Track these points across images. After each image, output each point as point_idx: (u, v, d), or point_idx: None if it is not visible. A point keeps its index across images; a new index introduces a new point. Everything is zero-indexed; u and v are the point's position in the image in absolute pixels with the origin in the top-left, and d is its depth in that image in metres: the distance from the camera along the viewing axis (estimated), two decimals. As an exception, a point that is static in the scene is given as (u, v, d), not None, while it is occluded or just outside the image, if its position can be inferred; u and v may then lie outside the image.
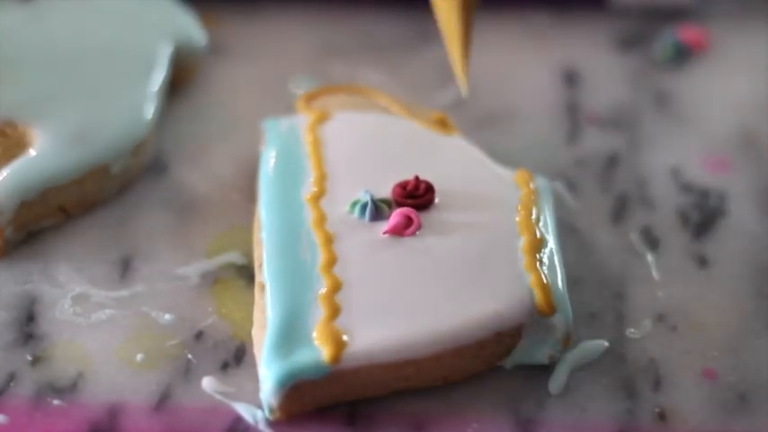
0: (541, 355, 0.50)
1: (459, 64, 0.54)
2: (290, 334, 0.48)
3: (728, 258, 0.55)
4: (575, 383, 0.50)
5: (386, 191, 0.53)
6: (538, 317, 0.50)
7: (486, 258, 0.51)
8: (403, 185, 0.53)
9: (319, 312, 0.49)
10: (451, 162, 0.55)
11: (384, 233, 0.51)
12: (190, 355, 0.51)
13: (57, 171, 0.55)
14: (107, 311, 0.52)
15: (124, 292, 0.53)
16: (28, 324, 0.52)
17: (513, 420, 0.49)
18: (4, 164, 0.55)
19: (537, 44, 0.67)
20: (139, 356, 0.51)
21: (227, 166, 0.59)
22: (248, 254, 0.54)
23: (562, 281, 0.51)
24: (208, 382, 0.50)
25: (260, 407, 0.49)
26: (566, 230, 0.55)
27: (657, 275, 0.55)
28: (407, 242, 0.51)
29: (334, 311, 0.49)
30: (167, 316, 0.52)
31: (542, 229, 0.52)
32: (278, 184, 0.54)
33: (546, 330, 0.50)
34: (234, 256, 0.54)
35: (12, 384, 0.50)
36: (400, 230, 0.51)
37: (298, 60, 0.65)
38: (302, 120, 0.57)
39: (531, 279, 0.50)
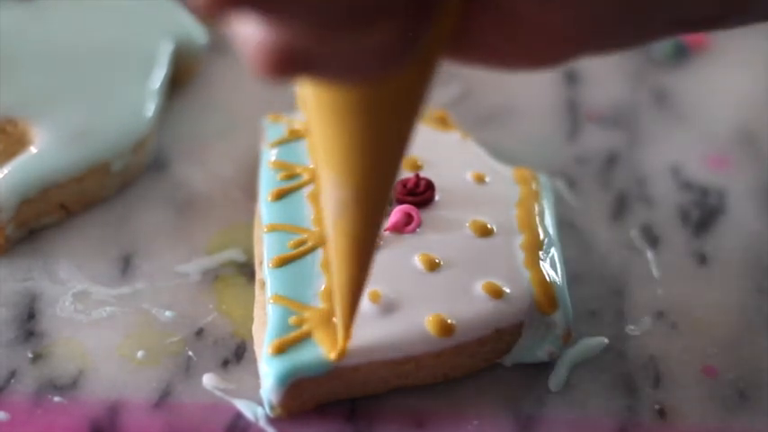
0: (541, 352, 0.50)
1: (343, 328, 0.48)
2: (290, 331, 0.48)
3: (728, 256, 0.55)
4: (575, 380, 0.50)
5: (386, 188, 0.53)
6: (538, 314, 0.50)
7: (486, 255, 0.51)
8: (403, 183, 0.53)
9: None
10: (452, 159, 0.55)
11: (384, 230, 0.51)
12: (190, 353, 0.51)
13: (57, 169, 0.55)
14: (108, 309, 0.52)
15: (125, 290, 0.53)
16: (29, 321, 0.52)
17: (513, 417, 0.49)
18: (5, 161, 0.55)
19: (537, 42, 0.67)
20: (140, 353, 0.51)
21: (227, 163, 0.59)
22: (249, 251, 0.54)
23: (562, 278, 0.51)
24: (208, 379, 0.50)
25: (260, 404, 0.49)
26: (566, 228, 0.55)
27: (657, 273, 0.55)
28: (407, 239, 0.51)
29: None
30: (168, 313, 0.52)
31: (542, 227, 0.52)
32: (278, 181, 0.54)
33: (546, 327, 0.50)
34: (234, 254, 0.55)
35: (12, 381, 0.50)
36: (400, 228, 0.51)
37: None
38: (302, 117, 0.57)
39: (530, 276, 0.50)
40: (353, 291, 0.46)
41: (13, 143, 0.56)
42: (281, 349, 0.48)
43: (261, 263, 0.52)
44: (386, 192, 0.44)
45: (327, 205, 0.44)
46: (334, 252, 0.45)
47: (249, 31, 0.37)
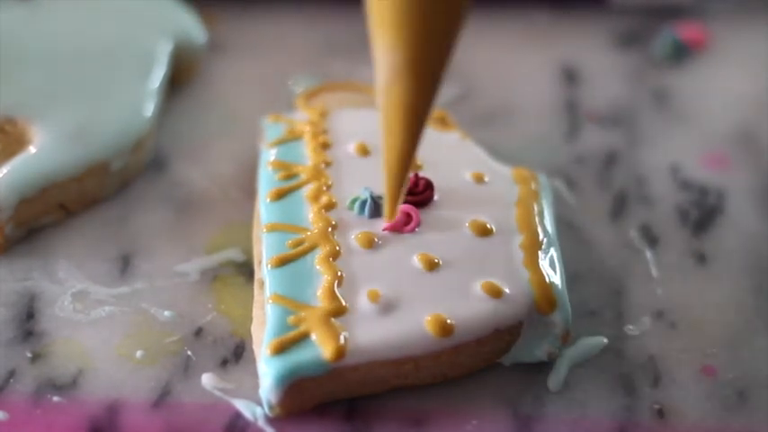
0: (540, 352, 0.50)
1: (392, 195, 0.49)
2: (289, 331, 0.48)
3: (727, 255, 0.56)
4: (574, 380, 0.50)
5: (385, 188, 0.53)
6: (537, 314, 0.50)
7: (485, 255, 0.51)
8: (402, 183, 0.53)
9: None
10: (451, 159, 0.55)
11: (383, 230, 0.51)
12: (189, 352, 0.51)
13: (56, 168, 0.55)
14: (107, 308, 0.52)
15: (124, 289, 0.53)
16: (28, 321, 0.52)
17: (512, 417, 0.49)
18: (4, 161, 0.55)
19: (537, 42, 0.67)
20: (139, 353, 0.51)
21: (226, 163, 0.59)
22: (248, 251, 0.54)
23: (561, 278, 0.51)
24: (207, 379, 0.50)
25: (259, 403, 0.49)
26: (565, 227, 0.55)
27: (656, 272, 0.55)
28: (407, 239, 0.51)
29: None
30: (167, 313, 0.52)
31: (541, 227, 0.52)
32: (277, 181, 0.54)
33: (545, 327, 0.50)
34: (233, 253, 0.55)
35: (11, 381, 0.50)
36: (399, 227, 0.51)
37: (297, 58, 0.65)
38: (301, 117, 0.57)
39: (530, 276, 0.50)
40: (402, 162, 0.46)
41: (12, 143, 0.56)
42: (280, 349, 0.48)
43: (260, 262, 0.52)
44: (441, 58, 0.43)
45: (380, 74, 0.44)
46: (384, 124, 0.45)
47: None
